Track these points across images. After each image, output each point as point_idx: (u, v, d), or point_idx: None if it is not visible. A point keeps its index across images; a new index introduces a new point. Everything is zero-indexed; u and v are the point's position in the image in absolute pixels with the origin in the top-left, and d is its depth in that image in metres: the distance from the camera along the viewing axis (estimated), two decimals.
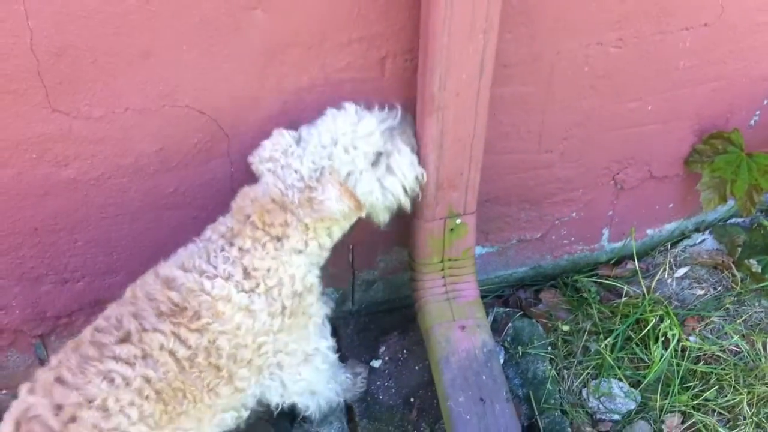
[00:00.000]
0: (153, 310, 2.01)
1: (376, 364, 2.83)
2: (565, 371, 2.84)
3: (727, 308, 3.01)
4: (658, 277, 3.10)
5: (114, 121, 2.12)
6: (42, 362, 2.59)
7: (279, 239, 2.10)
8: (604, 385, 2.79)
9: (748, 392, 2.74)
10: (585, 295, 3.07)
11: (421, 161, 2.29)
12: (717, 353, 2.86)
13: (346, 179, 2.09)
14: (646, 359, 2.85)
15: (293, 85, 2.22)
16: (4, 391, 2.66)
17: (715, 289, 3.09)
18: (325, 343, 2.37)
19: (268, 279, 2.10)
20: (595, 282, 3.13)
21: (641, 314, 2.92)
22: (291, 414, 2.60)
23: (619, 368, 2.81)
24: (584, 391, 2.80)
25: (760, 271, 3.01)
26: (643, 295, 2.99)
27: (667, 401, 2.74)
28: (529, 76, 2.45)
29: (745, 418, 2.70)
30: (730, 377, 2.79)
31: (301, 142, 2.11)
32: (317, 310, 2.30)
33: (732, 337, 2.90)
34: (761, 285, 3.01)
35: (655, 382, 2.80)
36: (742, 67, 2.71)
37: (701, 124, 2.84)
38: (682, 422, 2.71)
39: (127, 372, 1.93)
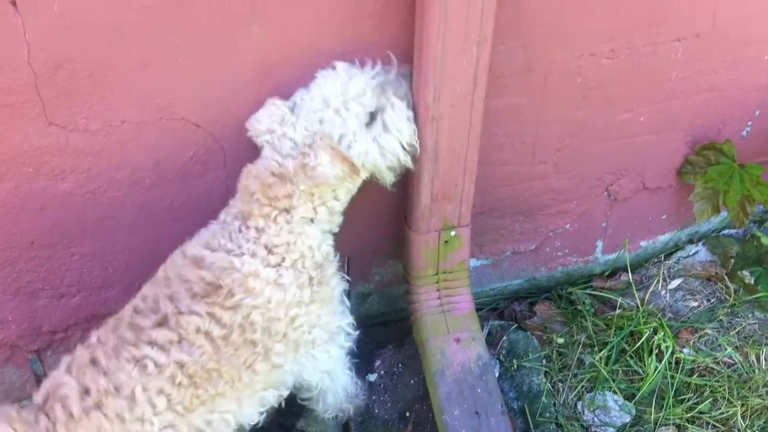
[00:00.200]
0: (187, 291, 2.01)
1: (372, 378, 2.82)
2: (560, 384, 2.84)
3: (721, 320, 3.02)
4: (651, 288, 3.11)
5: (111, 134, 2.12)
6: (38, 378, 2.58)
7: (288, 211, 2.08)
8: (599, 398, 2.78)
9: (742, 404, 2.74)
10: (579, 307, 3.07)
11: (416, 172, 2.29)
12: (711, 365, 2.87)
13: (339, 142, 2.05)
14: (641, 372, 2.84)
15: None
16: None
17: (708, 300, 3.10)
18: (346, 320, 2.35)
19: (291, 253, 2.08)
20: (590, 294, 3.13)
21: (635, 326, 2.92)
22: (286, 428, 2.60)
23: (614, 381, 2.81)
24: (579, 404, 2.80)
25: (753, 282, 3.01)
26: (637, 307, 3.00)
27: (661, 414, 2.74)
28: (522, 87, 2.46)
29: (739, 431, 2.70)
30: (724, 389, 2.79)
31: (295, 109, 2.09)
32: (337, 282, 2.28)
33: (726, 349, 2.90)
34: (754, 296, 3.01)
35: (649, 394, 2.80)
36: (734, 77, 2.73)
37: (694, 135, 2.86)
38: None
39: (161, 359, 1.93)
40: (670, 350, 2.83)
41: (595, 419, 2.75)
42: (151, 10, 1.95)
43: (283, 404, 2.31)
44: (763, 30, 2.66)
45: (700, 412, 2.74)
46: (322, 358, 2.30)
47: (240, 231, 2.08)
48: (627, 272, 3.10)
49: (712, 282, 3.15)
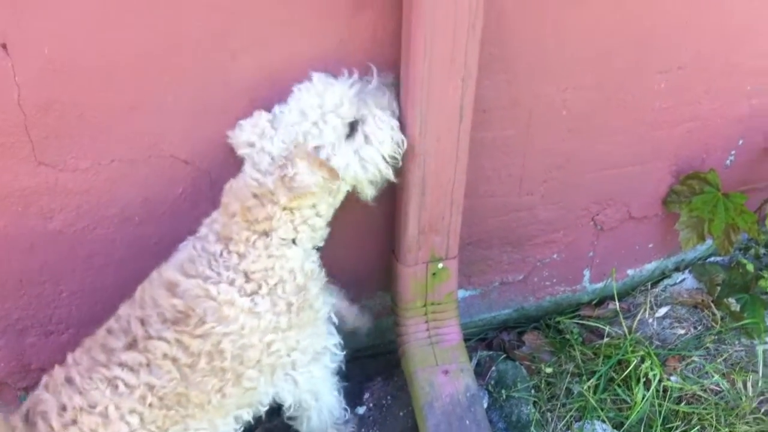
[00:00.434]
0: (158, 316, 2.01)
1: (361, 410, 2.81)
2: (548, 414, 2.84)
3: (708, 347, 3.03)
4: (639, 317, 3.13)
5: (100, 173, 2.13)
6: None
7: (267, 234, 2.05)
8: (587, 428, 2.78)
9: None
10: (568, 336, 3.09)
11: (403, 205, 2.30)
12: (698, 393, 2.88)
13: (317, 154, 1.99)
14: (629, 400, 2.85)
15: None
16: None
17: (695, 328, 3.11)
18: (333, 340, 2.33)
19: (269, 279, 2.06)
20: (578, 323, 3.15)
21: (623, 355, 2.93)
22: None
23: (602, 410, 2.81)
24: None
25: (739, 309, 3.03)
26: (625, 335, 3.01)
27: None
28: (508, 120, 2.48)
29: None
30: (712, 417, 2.80)
31: (274, 123, 2.04)
32: (322, 302, 2.25)
33: (713, 377, 2.92)
34: (741, 323, 3.03)
35: (637, 423, 2.80)
36: (717, 107, 2.76)
37: (678, 165, 2.89)
38: None
39: (131, 380, 1.94)
40: (657, 378, 2.84)
41: None
42: (141, 56, 1.97)
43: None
44: (744, 61, 2.70)
45: None
46: (303, 379, 2.28)
47: (221, 256, 2.06)
48: (614, 301, 3.12)
49: (699, 309, 3.17)
